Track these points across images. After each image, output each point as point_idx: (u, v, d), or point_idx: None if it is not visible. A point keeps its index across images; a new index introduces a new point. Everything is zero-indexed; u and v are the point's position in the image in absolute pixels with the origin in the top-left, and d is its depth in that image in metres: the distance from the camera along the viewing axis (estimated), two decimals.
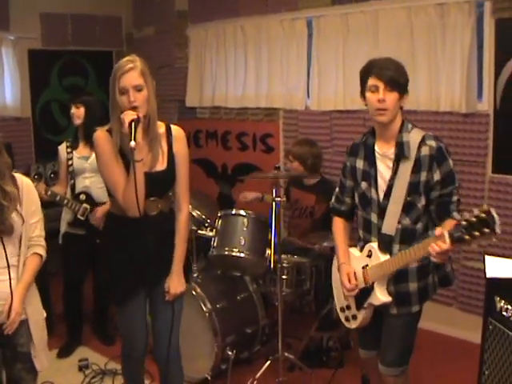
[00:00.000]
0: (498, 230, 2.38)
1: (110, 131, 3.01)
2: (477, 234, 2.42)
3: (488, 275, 2.93)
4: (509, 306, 2.76)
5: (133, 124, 2.80)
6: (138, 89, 2.88)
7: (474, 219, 2.43)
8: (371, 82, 2.89)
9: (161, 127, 3.11)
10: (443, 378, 4.16)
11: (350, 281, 3.09)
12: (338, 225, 3.29)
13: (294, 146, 4.89)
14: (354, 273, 3.10)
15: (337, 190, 3.30)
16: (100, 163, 3.04)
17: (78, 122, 4.56)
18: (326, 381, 4.04)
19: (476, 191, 4.61)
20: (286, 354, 4.19)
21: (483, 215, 2.41)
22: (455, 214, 2.82)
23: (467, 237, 2.45)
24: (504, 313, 2.80)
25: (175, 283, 3.20)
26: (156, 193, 3.07)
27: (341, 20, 5.10)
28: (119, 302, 3.23)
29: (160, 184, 3.07)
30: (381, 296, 2.99)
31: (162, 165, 3.08)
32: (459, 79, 4.48)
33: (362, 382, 4.20)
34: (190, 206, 4.40)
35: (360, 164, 3.08)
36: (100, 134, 3.02)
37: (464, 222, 2.46)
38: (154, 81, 3.00)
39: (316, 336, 4.53)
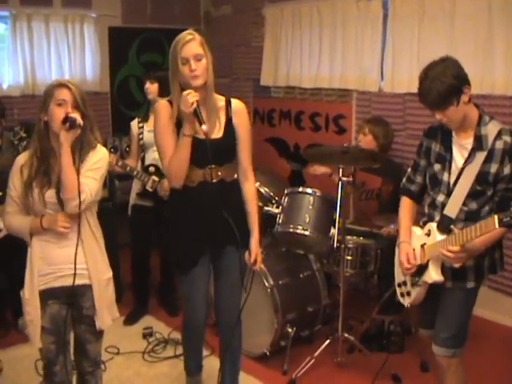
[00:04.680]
0: None
1: (170, 101, 3.16)
2: None
3: None
4: None
5: (197, 109, 2.99)
6: (198, 58, 3.05)
7: None
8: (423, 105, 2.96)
9: (221, 100, 3.26)
10: (504, 371, 4.09)
11: (408, 260, 3.10)
12: (405, 204, 3.29)
13: (369, 121, 4.89)
14: (414, 252, 3.11)
15: (409, 170, 3.31)
16: (155, 130, 3.22)
17: (151, 96, 4.67)
18: (385, 365, 4.02)
19: None
20: (346, 335, 4.20)
21: None
22: None
23: None
24: None
25: (255, 249, 3.31)
26: (214, 161, 3.15)
27: (417, 1, 5.00)
28: (184, 269, 3.32)
29: (217, 152, 3.14)
30: (434, 275, 3.00)
31: (218, 133, 3.19)
32: None
33: (420, 368, 4.19)
34: (258, 183, 4.48)
35: (436, 147, 3.09)
36: (161, 102, 3.21)
37: None
38: (211, 55, 3.16)
39: (378, 319, 4.51)
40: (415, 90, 2.87)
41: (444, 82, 2.78)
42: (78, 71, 6.38)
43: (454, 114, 2.86)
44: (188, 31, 3.11)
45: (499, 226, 2.57)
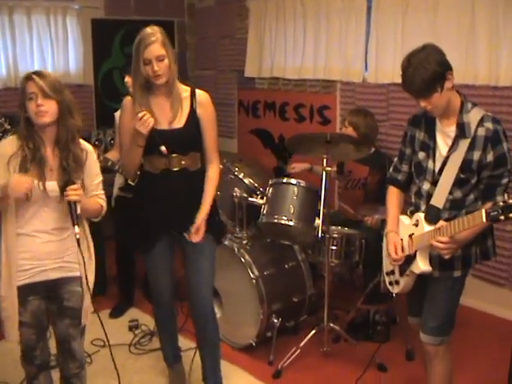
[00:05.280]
0: None
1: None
2: None
3: None
4: None
5: (154, 134, 3.20)
6: (160, 59, 3.16)
7: (511, 201, 2.48)
8: (407, 93, 2.95)
9: (185, 91, 3.37)
10: (490, 359, 4.10)
11: (396, 252, 3.10)
12: (392, 193, 3.29)
13: (350, 113, 4.92)
14: (401, 242, 3.12)
15: (395, 159, 3.32)
16: (119, 124, 3.46)
17: (131, 89, 4.63)
18: (371, 354, 4.04)
19: None
20: (332, 325, 4.22)
21: None
22: (498, 198, 2.85)
23: (502, 217, 2.52)
24: None
25: (194, 233, 3.33)
26: (177, 150, 3.30)
27: None
28: (143, 249, 3.48)
29: (179, 141, 3.29)
30: (422, 265, 3.00)
31: (179, 123, 3.31)
32: None
33: (406, 357, 4.21)
34: (243, 174, 4.49)
35: (420, 135, 3.09)
36: (127, 99, 3.35)
37: (501, 203, 2.52)
38: (173, 49, 3.29)
39: (363, 309, 4.53)
40: (399, 80, 2.87)
41: (428, 69, 2.77)
42: (61, 64, 6.34)
43: (439, 100, 2.85)
44: (150, 30, 3.17)
45: (487, 220, 2.58)
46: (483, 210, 2.60)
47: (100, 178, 3.08)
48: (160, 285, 3.59)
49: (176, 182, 3.32)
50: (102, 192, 3.08)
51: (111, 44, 6.83)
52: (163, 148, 3.21)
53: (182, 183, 3.34)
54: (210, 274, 3.51)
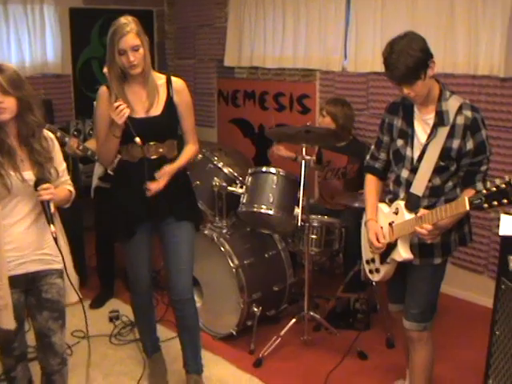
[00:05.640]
0: None
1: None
2: (495, 203, 2.51)
3: (502, 233, 2.90)
4: None
5: (129, 123, 3.19)
6: (135, 49, 3.16)
7: (494, 189, 2.51)
8: (389, 79, 2.93)
9: (161, 79, 3.38)
10: (470, 345, 4.13)
11: (378, 239, 3.11)
12: (370, 182, 3.30)
13: (327, 103, 4.92)
14: (381, 230, 3.13)
15: (372, 147, 3.31)
16: (94, 115, 3.43)
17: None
18: (351, 342, 4.06)
19: None
20: (312, 314, 4.23)
21: (503, 186, 2.48)
22: (478, 185, 2.89)
23: (485, 205, 2.54)
24: None
25: (155, 181, 3.32)
26: (155, 137, 3.32)
27: None
28: (122, 238, 3.50)
29: (156, 128, 3.30)
30: (403, 253, 3.02)
31: (156, 110, 3.31)
32: (499, 42, 4.37)
33: (386, 345, 4.24)
34: (222, 163, 4.48)
35: (398, 122, 3.09)
36: (102, 88, 3.33)
37: (484, 191, 2.54)
38: (147, 37, 3.26)
39: (343, 297, 4.55)
40: (378, 69, 2.88)
41: (412, 56, 2.77)
42: (39, 54, 6.25)
43: (421, 88, 2.85)
44: (124, 20, 3.17)
45: (470, 208, 2.60)
46: (466, 199, 2.62)
47: (64, 164, 3.05)
48: (139, 274, 3.59)
49: (154, 170, 3.31)
50: (68, 177, 3.05)
51: (89, 33, 6.75)
52: (137, 139, 3.21)
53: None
54: (189, 261, 3.52)
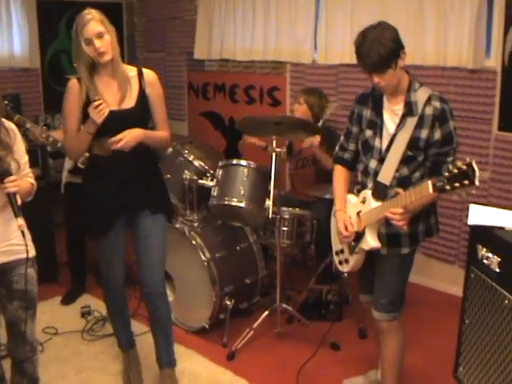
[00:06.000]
0: (477, 182, 2.46)
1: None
2: (457, 185, 2.51)
3: (470, 223, 2.93)
4: (489, 254, 2.76)
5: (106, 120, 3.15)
6: (100, 35, 3.13)
7: (455, 171, 2.51)
8: (360, 68, 2.93)
9: (131, 71, 3.34)
10: (441, 334, 4.17)
11: (346, 228, 3.12)
12: (339, 173, 3.32)
13: (305, 92, 4.92)
14: (350, 219, 3.14)
15: (341, 138, 3.33)
16: (63, 108, 3.32)
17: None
18: (324, 333, 4.08)
19: (481, 148, 4.57)
20: (285, 306, 4.24)
21: (464, 167, 2.49)
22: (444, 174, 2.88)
23: (448, 187, 2.55)
24: (485, 261, 2.79)
25: (129, 132, 3.23)
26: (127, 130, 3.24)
27: None
28: (96, 234, 3.44)
29: (130, 121, 3.25)
30: (371, 241, 3.04)
31: (129, 103, 3.28)
32: (467, 35, 4.41)
33: (359, 336, 4.26)
34: (193, 156, 4.46)
35: (367, 113, 3.11)
36: (72, 81, 3.26)
37: (446, 173, 2.55)
38: (113, 27, 3.22)
39: (315, 289, 4.57)
40: (348, 61, 2.88)
41: (385, 45, 2.79)
42: (6, 47, 6.15)
43: (392, 77, 2.87)
44: (86, 11, 3.16)
45: (433, 190, 2.62)
46: (429, 182, 2.63)
47: (26, 156, 3.00)
48: (113, 271, 3.53)
49: (127, 163, 3.29)
50: (30, 170, 3.01)
51: (58, 26, 6.68)
52: (111, 140, 3.18)
53: (133, 164, 3.32)
54: (161, 254, 3.50)
